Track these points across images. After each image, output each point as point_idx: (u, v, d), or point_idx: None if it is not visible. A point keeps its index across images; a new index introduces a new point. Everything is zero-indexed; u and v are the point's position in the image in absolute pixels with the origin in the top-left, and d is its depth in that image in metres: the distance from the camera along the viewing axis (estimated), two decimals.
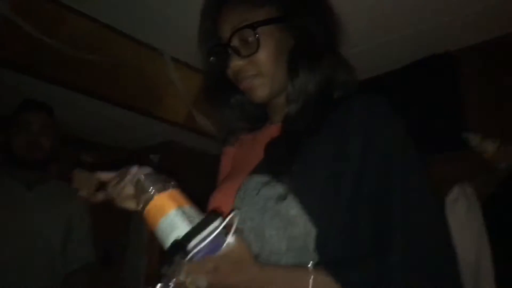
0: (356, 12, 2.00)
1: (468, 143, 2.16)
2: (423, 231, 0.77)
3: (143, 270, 3.16)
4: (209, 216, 0.71)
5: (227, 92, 1.06)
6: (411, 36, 2.24)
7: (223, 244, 0.70)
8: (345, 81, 0.97)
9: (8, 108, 2.14)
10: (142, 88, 2.56)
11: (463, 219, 2.00)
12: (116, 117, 2.91)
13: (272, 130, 0.98)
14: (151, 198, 0.76)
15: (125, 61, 2.37)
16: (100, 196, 0.94)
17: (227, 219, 0.70)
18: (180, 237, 0.70)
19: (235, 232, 0.71)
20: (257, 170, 0.89)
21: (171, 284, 0.68)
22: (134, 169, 0.87)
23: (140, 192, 0.80)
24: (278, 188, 0.82)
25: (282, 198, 0.81)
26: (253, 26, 0.92)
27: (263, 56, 0.93)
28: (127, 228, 3.28)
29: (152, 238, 3.00)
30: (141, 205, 0.78)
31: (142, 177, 0.81)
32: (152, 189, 0.77)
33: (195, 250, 0.67)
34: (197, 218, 0.73)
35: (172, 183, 0.79)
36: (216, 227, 0.69)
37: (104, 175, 0.94)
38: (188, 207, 0.75)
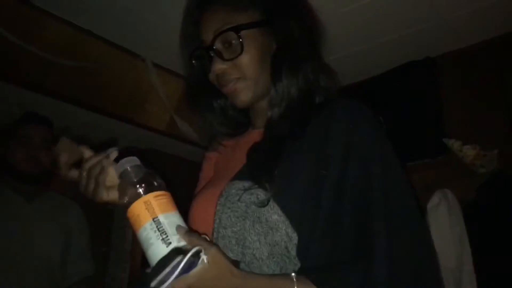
0: (337, 19, 2.02)
1: (448, 149, 2.19)
2: (405, 236, 0.77)
3: (125, 282, 3.09)
4: (170, 255, 0.69)
5: (209, 97, 1.05)
6: (391, 43, 2.26)
7: (194, 267, 0.67)
8: (326, 86, 0.97)
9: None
10: (123, 94, 2.53)
11: (445, 224, 2.02)
12: (96, 123, 2.88)
13: (254, 135, 0.97)
14: (135, 197, 0.73)
15: (106, 67, 2.35)
16: (74, 174, 0.88)
17: (190, 254, 0.66)
18: (152, 264, 0.69)
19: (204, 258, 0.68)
20: (238, 176, 0.88)
21: None
22: (115, 153, 0.84)
23: (125, 185, 0.76)
24: (260, 194, 0.81)
25: (263, 203, 0.80)
26: (237, 29, 0.91)
27: (247, 59, 0.92)
28: (108, 237, 3.23)
29: (134, 246, 2.96)
30: (126, 199, 0.75)
31: (129, 169, 0.78)
32: (138, 187, 0.74)
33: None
34: (172, 234, 0.70)
35: (157, 182, 0.76)
36: (177, 263, 0.66)
37: (89, 152, 0.88)
38: (166, 216, 0.72)
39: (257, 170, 0.84)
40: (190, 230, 0.72)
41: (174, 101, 2.59)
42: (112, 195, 0.83)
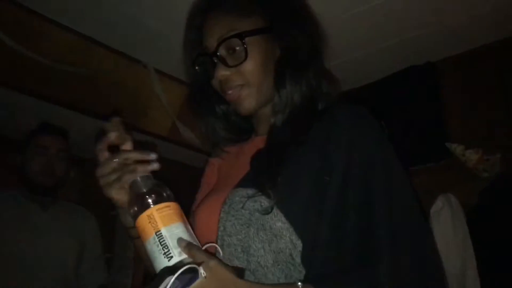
0: (338, 24, 2.02)
1: (451, 153, 2.18)
2: (409, 242, 0.77)
3: None
4: (163, 272, 0.69)
5: (212, 103, 1.05)
6: (392, 47, 2.27)
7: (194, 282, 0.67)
8: (328, 92, 0.97)
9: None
10: (125, 100, 2.53)
11: (448, 229, 2.01)
12: (98, 129, 2.88)
13: (257, 142, 0.97)
14: (141, 210, 0.74)
15: (108, 73, 2.35)
16: (103, 155, 0.83)
17: (180, 271, 0.66)
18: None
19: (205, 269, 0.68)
20: (242, 183, 0.88)
21: None
22: (156, 166, 0.81)
23: (134, 195, 0.77)
24: (263, 201, 0.81)
25: (267, 211, 0.80)
26: (242, 36, 0.91)
27: (251, 66, 0.92)
28: (112, 243, 3.22)
29: (137, 253, 2.94)
30: (133, 210, 0.76)
31: (139, 179, 0.78)
32: (145, 199, 0.75)
33: None
34: (174, 247, 0.71)
35: (165, 193, 0.77)
36: (172, 281, 0.65)
37: (130, 145, 0.85)
38: (168, 229, 0.72)
39: (261, 177, 0.84)
40: (190, 243, 0.72)
41: (176, 107, 2.59)
42: (121, 197, 0.82)
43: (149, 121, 2.68)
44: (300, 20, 0.98)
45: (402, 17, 2.04)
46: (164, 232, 0.72)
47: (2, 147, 2.87)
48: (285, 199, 0.80)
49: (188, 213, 0.88)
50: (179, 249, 0.71)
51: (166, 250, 0.71)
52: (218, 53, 0.92)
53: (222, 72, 0.93)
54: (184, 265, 0.67)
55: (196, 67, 0.99)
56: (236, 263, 0.81)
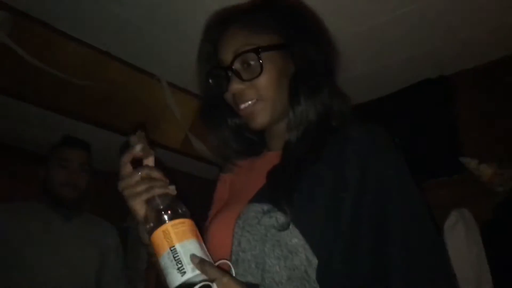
0: (350, 39, 2.02)
1: (465, 168, 2.16)
2: (423, 260, 0.77)
3: None
4: None
5: (224, 116, 1.05)
6: (405, 61, 2.26)
7: None
8: (341, 110, 0.97)
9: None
10: (138, 113, 2.56)
11: (462, 244, 1.99)
12: (111, 143, 2.90)
13: (271, 158, 0.97)
14: (157, 225, 0.76)
15: (121, 86, 2.38)
16: (127, 168, 0.86)
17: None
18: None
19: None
20: (256, 198, 0.88)
21: None
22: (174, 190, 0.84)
23: (151, 211, 0.79)
24: (279, 217, 0.81)
25: (283, 227, 0.80)
26: (257, 50, 0.92)
27: (265, 80, 0.92)
28: (123, 254, 3.22)
29: (149, 265, 2.94)
30: (150, 225, 0.77)
31: (157, 198, 0.80)
32: (161, 215, 0.76)
33: None
34: (187, 263, 0.72)
35: (181, 209, 0.79)
36: None
37: (153, 160, 0.88)
38: (182, 245, 0.74)
39: (277, 193, 0.84)
40: (204, 259, 0.73)
41: (188, 120, 2.61)
42: (141, 210, 0.83)
43: (162, 134, 2.70)
44: (315, 38, 0.98)
45: (416, 32, 2.03)
46: (179, 247, 0.73)
47: (19, 159, 2.91)
48: (301, 216, 0.80)
49: (201, 226, 0.88)
50: (192, 265, 0.72)
51: (179, 266, 0.72)
52: (233, 67, 0.93)
53: (236, 86, 0.93)
54: (198, 281, 0.68)
55: (210, 80, 1.00)
56: (250, 279, 0.81)
